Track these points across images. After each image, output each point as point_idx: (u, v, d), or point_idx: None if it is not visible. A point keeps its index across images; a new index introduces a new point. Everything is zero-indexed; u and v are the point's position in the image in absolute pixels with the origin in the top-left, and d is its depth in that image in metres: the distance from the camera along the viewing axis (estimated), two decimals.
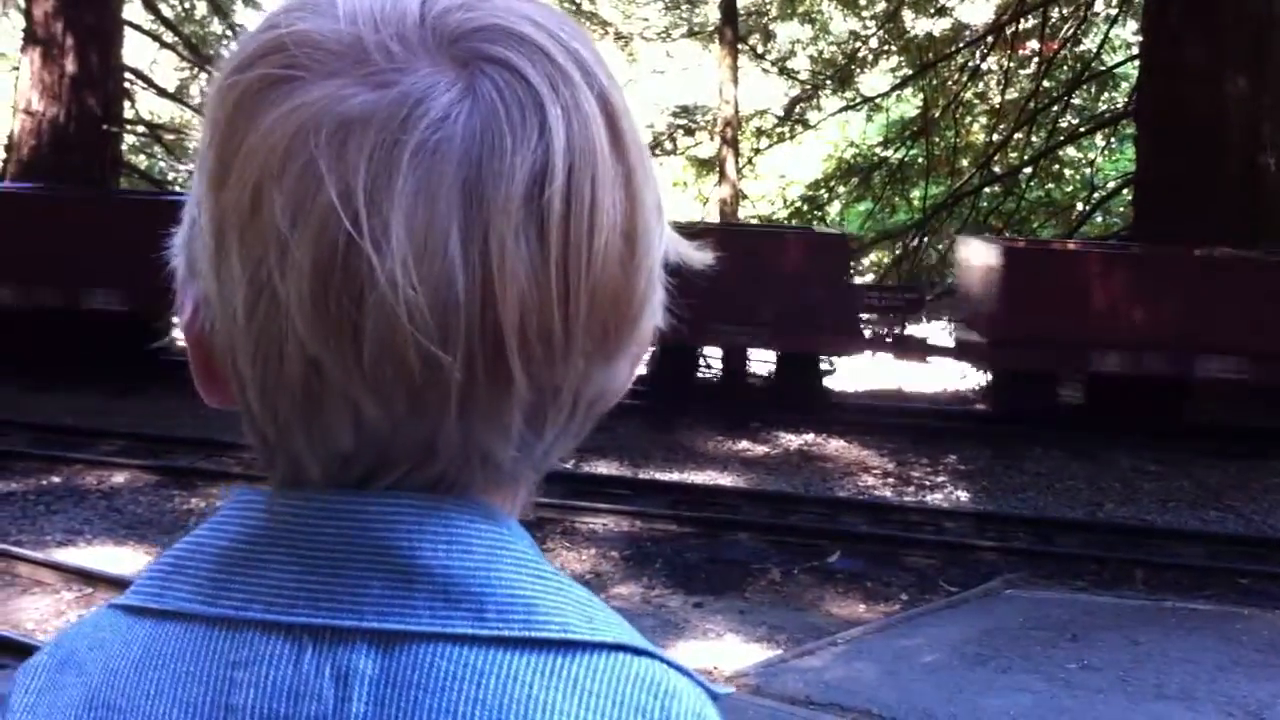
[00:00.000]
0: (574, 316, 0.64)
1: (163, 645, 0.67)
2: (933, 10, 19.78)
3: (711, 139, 19.84)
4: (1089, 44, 19.29)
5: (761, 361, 12.59)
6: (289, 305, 0.62)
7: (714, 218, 18.16)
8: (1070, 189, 20.73)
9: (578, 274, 0.64)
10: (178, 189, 16.91)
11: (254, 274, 0.63)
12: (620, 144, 0.66)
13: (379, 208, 0.61)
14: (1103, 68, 19.11)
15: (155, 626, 0.68)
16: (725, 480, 9.65)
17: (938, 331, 13.46)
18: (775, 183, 23.21)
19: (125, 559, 7.36)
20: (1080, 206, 19.75)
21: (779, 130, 20.97)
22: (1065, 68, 19.29)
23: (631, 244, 0.66)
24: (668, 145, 21.12)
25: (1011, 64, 19.49)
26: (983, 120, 20.53)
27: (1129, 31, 19.28)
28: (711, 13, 20.91)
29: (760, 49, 21.84)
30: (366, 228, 0.60)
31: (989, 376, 12.73)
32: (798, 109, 20.88)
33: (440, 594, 0.65)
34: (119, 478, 9.05)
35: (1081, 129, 19.78)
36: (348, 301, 0.61)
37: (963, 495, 9.53)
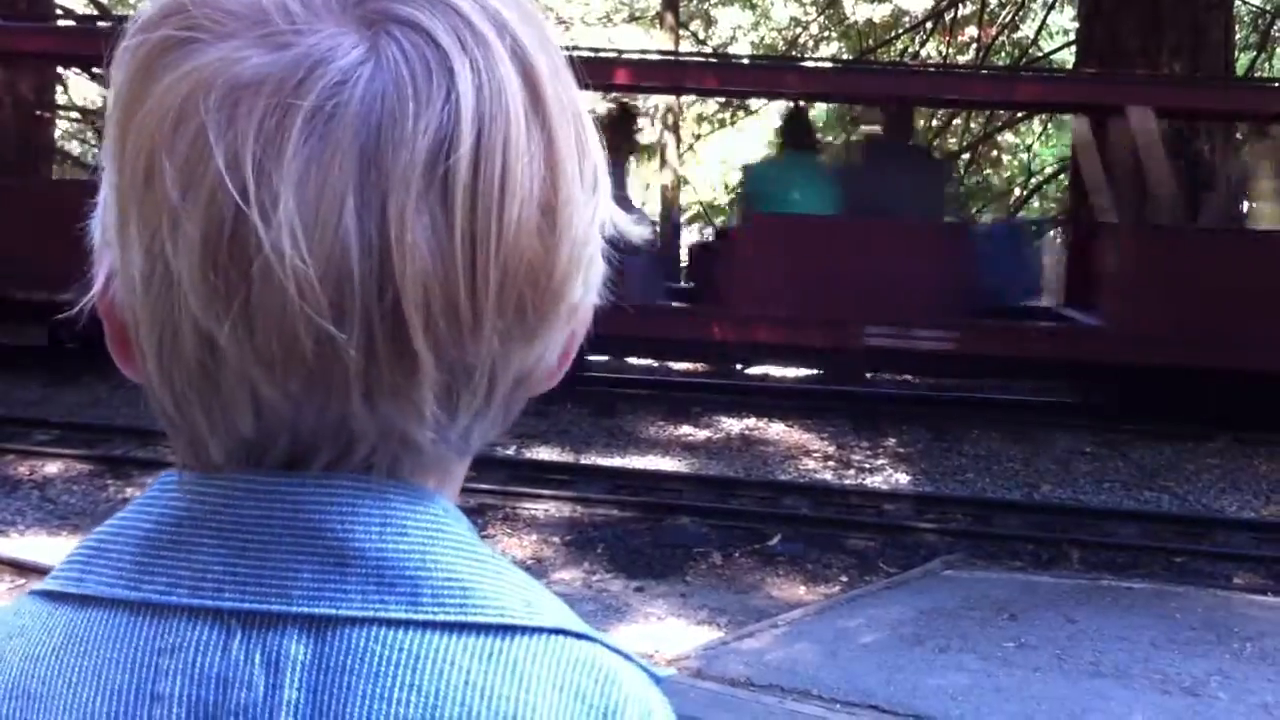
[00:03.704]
0: (482, 291, 0.60)
1: (84, 631, 0.64)
2: None
3: (653, 125, 19.82)
4: (1026, 30, 19.45)
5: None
6: (181, 279, 0.59)
7: (655, 203, 18.16)
8: (1008, 174, 20.93)
9: (486, 246, 0.60)
10: None
11: (149, 246, 0.60)
12: (542, 110, 0.62)
13: (268, 177, 0.58)
14: (1040, 54, 19.28)
15: (75, 612, 0.64)
16: (667, 465, 9.64)
17: None
18: (717, 169, 23.27)
19: (59, 549, 7.24)
20: (1018, 191, 19.93)
21: (720, 116, 21.00)
22: (1003, 54, 19.44)
23: (551, 215, 0.62)
24: None
25: (950, 50, 19.61)
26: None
27: (1066, 18, 19.46)
28: None
29: (702, 34, 21.87)
30: (254, 198, 0.57)
31: None
32: None
33: (374, 577, 0.62)
34: (52, 467, 8.91)
35: (1019, 115, 19.93)
36: (236, 276, 0.58)
37: (902, 478, 9.59)
